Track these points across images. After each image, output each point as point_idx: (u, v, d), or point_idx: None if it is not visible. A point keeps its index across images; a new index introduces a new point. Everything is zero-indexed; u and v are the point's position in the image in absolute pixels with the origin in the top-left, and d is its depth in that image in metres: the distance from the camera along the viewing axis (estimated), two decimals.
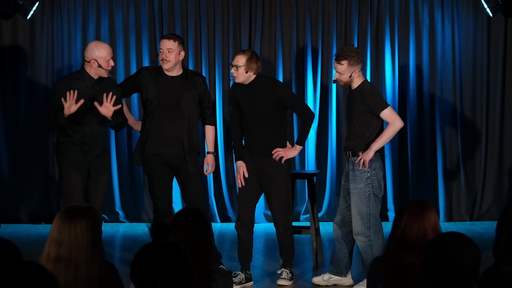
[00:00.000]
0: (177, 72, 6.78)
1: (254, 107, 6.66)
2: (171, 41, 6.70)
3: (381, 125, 6.49)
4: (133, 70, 9.22)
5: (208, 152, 6.95)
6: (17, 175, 9.24)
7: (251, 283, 6.75)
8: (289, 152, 6.70)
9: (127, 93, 7.02)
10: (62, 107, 6.33)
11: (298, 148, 6.75)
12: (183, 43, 6.80)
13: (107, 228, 8.87)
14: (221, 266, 6.83)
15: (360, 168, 6.37)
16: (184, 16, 9.26)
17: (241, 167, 6.74)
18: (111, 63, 6.54)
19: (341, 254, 6.63)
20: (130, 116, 7.13)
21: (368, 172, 6.38)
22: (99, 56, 6.47)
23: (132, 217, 9.39)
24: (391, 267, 3.65)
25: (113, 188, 9.30)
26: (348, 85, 6.51)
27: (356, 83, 6.45)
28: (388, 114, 6.39)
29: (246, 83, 6.65)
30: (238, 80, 6.65)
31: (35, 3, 8.84)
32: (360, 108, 6.40)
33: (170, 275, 2.78)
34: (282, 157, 6.66)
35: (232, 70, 6.67)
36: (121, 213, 9.37)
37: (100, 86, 6.54)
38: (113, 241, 8.49)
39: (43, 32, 9.21)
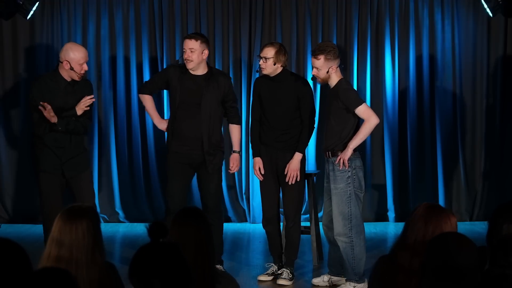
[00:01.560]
0: (201, 71, 6.79)
1: (275, 100, 6.73)
2: (193, 40, 6.70)
3: (357, 124, 6.48)
4: (133, 70, 9.23)
5: (233, 151, 6.95)
6: (17, 175, 9.24)
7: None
8: (293, 166, 6.71)
9: (155, 90, 7.04)
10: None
11: (299, 155, 6.74)
12: (206, 42, 6.79)
13: (107, 228, 8.88)
14: (218, 265, 6.82)
15: (340, 168, 6.37)
16: (184, 16, 9.27)
17: (257, 164, 6.83)
18: (85, 67, 6.50)
19: (336, 256, 6.63)
20: (155, 114, 7.07)
21: (349, 171, 6.37)
22: (72, 59, 6.45)
23: (132, 217, 9.38)
24: (395, 270, 3.53)
25: (113, 188, 9.30)
26: (325, 82, 6.50)
27: (334, 80, 6.45)
28: (363, 111, 6.38)
29: (273, 75, 6.73)
30: (265, 72, 6.72)
31: (35, 3, 8.84)
32: (336, 105, 6.40)
33: (169, 275, 2.78)
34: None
35: (261, 62, 6.73)
36: (121, 213, 9.37)
37: (73, 88, 6.54)
38: (113, 241, 8.48)
39: (43, 32, 9.21)
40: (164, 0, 9.23)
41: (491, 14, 9.08)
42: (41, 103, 6.35)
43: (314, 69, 6.47)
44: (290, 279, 6.77)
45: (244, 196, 9.44)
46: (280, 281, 6.75)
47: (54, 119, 6.39)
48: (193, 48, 6.67)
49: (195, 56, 6.68)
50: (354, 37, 9.29)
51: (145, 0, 9.22)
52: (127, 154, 9.31)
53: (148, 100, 6.99)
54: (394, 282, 3.52)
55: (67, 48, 6.54)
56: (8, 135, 9.22)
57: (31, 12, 8.86)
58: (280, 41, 9.16)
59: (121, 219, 9.35)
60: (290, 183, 6.69)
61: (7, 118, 9.22)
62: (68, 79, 6.51)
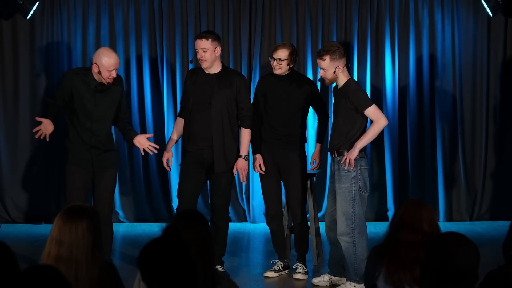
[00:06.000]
0: (215, 69, 6.77)
1: (282, 99, 6.81)
2: (204, 40, 6.67)
3: (365, 125, 6.47)
4: (133, 70, 9.23)
5: (239, 156, 6.83)
6: (17, 175, 9.24)
7: (288, 270, 7.02)
8: (317, 158, 7.11)
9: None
10: (61, 98, 6.54)
11: (319, 146, 7.07)
12: (218, 39, 6.76)
13: None
14: (218, 266, 6.81)
15: (346, 168, 6.36)
16: (184, 16, 9.27)
17: (257, 160, 6.92)
18: (113, 74, 6.46)
19: (336, 256, 6.63)
20: (174, 141, 7.01)
21: (354, 171, 6.35)
22: (102, 64, 6.44)
23: (132, 217, 9.39)
24: (387, 246, 3.89)
25: None
26: (333, 82, 6.49)
27: (342, 80, 6.43)
28: (373, 112, 6.36)
29: (282, 74, 6.83)
30: (279, 72, 6.82)
31: (35, 3, 8.84)
32: (345, 106, 6.37)
33: (177, 272, 2.78)
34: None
35: (274, 63, 6.80)
36: (121, 213, 9.37)
37: (103, 87, 6.55)
38: (113, 241, 8.45)
39: (43, 32, 9.20)
40: (164, 0, 9.23)
41: (491, 14, 9.08)
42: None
43: (321, 71, 6.44)
44: (306, 273, 6.92)
45: (244, 196, 9.44)
46: (297, 276, 6.89)
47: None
48: (205, 48, 6.65)
49: (208, 55, 6.67)
50: (354, 37, 9.29)
51: (145, 0, 9.22)
52: (127, 154, 9.30)
53: (179, 123, 6.94)
54: (385, 256, 3.84)
55: (100, 52, 6.53)
56: (8, 135, 9.21)
57: (31, 12, 8.86)
58: (280, 40, 9.17)
59: (121, 219, 9.35)
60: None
61: (6, 118, 9.21)
62: (98, 80, 6.53)
